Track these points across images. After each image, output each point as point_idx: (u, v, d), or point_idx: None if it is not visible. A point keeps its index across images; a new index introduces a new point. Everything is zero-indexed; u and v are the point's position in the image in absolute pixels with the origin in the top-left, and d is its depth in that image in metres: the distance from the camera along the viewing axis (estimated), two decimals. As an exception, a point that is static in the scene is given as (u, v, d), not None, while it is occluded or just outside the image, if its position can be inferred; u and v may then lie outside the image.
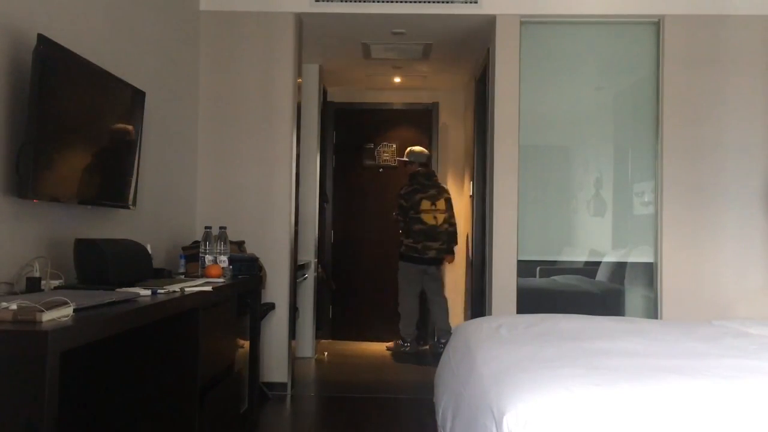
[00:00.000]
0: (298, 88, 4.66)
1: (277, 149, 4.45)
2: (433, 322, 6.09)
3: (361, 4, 4.45)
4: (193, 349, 2.67)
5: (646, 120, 4.49)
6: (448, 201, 6.01)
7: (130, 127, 3.11)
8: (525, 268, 4.51)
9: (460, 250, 6.51)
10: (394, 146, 6.82)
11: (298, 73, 4.65)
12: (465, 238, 6.27)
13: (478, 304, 5.28)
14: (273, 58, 4.47)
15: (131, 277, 2.59)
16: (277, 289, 4.43)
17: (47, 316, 1.70)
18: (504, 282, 4.38)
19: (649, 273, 4.48)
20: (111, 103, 2.93)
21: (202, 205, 4.43)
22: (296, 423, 4.13)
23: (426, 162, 6.14)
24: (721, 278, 4.33)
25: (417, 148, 6.12)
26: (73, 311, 1.83)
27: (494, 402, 1.93)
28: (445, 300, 6.06)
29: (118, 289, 2.37)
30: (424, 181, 5.97)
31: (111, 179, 2.97)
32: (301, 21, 4.60)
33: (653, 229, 4.44)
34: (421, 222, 5.86)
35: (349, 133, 6.85)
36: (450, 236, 6.01)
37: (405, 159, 6.16)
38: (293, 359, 4.64)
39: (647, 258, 4.47)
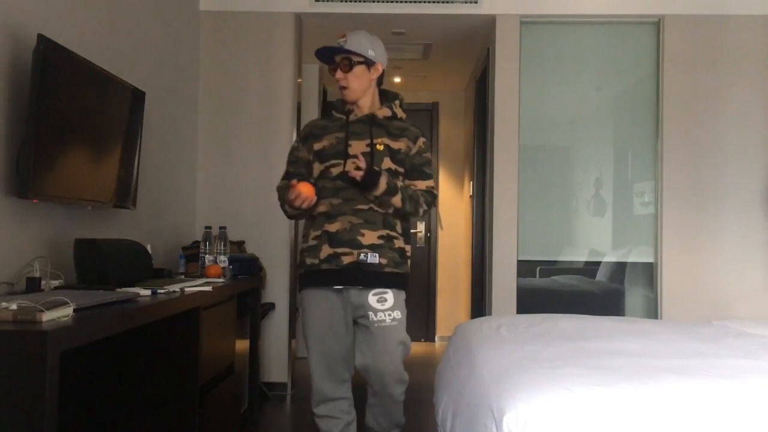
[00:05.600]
0: (298, 88, 4.66)
1: (277, 149, 4.45)
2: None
3: (361, 4, 4.45)
4: (193, 349, 2.67)
5: (646, 120, 4.49)
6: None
7: (130, 127, 3.11)
8: (525, 268, 4.51)
9: (460, 250, 6.49)
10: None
11: (298, 73, 4.65)
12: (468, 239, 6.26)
13: (478, 304, 5.28)
14: (273, 58, 4.47)
15: (131, 277, 2.59)
16: (277, 289, 4.43)
17: (47, 316, 1.70)
18: (504, 282, 4.39)
19: (649, 273, 4.48)
20: (111, 103, 2.93)
21: (202, 205, 4.43)
22: (296, 423, 4.12)
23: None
24: (721, 278, 4.33)
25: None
26: (73, 311, 1.83)
27: (494, 402, 1.93)
28: None
29: (118, 289, 2.37)
30: None
31: (111, 179, 2.97)
32: (301, 21, 4.60)
33: (653, 229, 4.44)
34: None
35: (349, 133, 6.83)
36: None
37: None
38: (293, 359, 4.64)
39: (647, 258, 4.47)
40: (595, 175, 4.58)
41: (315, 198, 2.56)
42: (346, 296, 2.60)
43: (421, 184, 2.68)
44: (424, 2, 4.43)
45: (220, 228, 3.53)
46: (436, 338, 6.72)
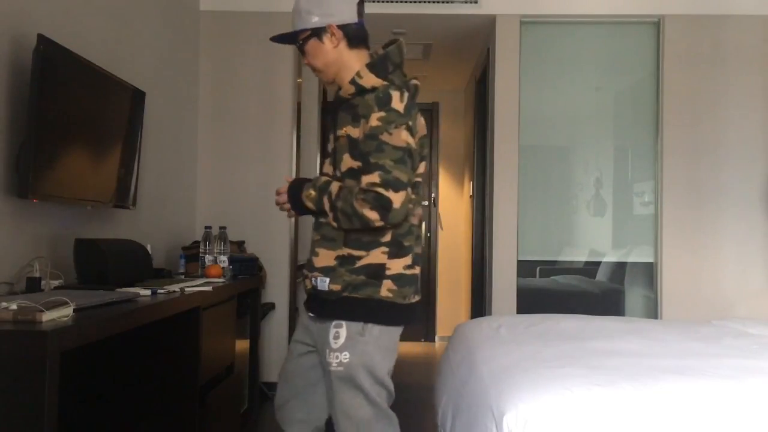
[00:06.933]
0: (298, 88, 4.66)
1: (277, 149, 4.45)
2: None
3: (361, 4, 4.45)
4: (194, 349, 2.67)
5: (646, 120, 4.49)
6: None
7: (130, 127, 3.11)
8: (525, 268, 4.51)
9: (460, 250, 6.48)
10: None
11: (298, 72, 4.65)
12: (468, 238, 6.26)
13: (478, 304, 5.28)
14: (273, 58, 4.47)
15: (131, 277, 2.59)
16: (277, 289, 4.43)
17: (47, 316, 1.70)
18: (504, 282, 4.39)
19: (649, 273, 4.48)
20: (111, 103, 2.93)
21: (202, 205, 4.43)
22: (296, 423, 4.12)
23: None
24: (721, 278, 4.33)
25: None
26: (73, 311, 1.83)
27: (494, 402, 1.93)
28: None
29: (118, 289, 2.37)
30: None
31: (111, 179, 2.97)
32: (301, 21, 4.60)
33: (653, 229, 4.44)
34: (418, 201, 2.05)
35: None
36: None
37: None
38: (293, 359, 4.63)
39: (647, 258, 4.47)
40: (595, 175, 4.59)
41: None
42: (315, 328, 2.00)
43: (363, 181, 1.82)
44: (424, 2, 4.43)
45: (220, 228, 3.53)
46: (436, 338, 6.72)
